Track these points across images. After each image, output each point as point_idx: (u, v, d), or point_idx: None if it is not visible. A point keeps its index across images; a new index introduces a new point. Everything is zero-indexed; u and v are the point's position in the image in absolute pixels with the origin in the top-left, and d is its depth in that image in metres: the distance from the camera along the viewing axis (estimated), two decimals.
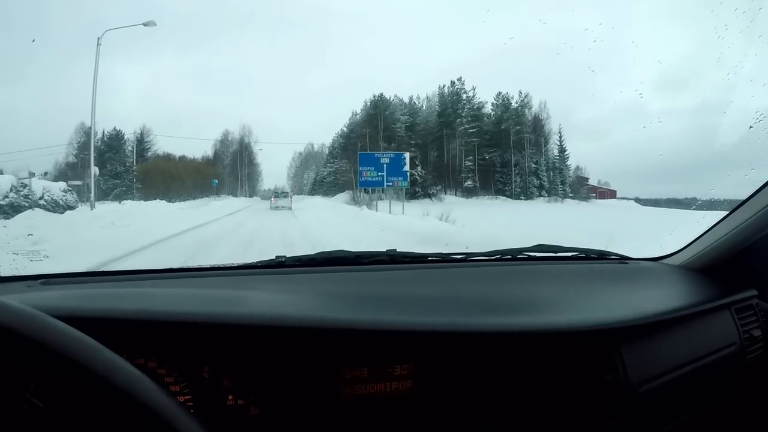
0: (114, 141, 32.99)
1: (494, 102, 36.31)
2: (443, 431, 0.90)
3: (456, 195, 33.34)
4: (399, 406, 0.89)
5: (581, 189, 34.07)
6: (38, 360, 0.48)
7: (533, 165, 35.69)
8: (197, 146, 38.42)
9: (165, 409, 0.51)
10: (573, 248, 1.46)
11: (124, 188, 21.81)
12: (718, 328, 1.22)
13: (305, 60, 39.56)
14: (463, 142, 34.62)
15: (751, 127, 1.55)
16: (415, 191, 30.64)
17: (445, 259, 1.35)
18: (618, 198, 28.46)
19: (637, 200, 23.01)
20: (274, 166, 39.55)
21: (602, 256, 1.49)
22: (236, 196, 35.49)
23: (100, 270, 1.32)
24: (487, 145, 35.14)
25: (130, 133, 31.00)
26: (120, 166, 23.33)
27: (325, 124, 44.89)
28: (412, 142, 32.99)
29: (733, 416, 1.24)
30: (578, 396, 0.97)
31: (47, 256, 3.57)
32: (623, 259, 1.50)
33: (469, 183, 34.03)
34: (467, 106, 35.52)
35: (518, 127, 35.69)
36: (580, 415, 0.97)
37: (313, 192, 37.99)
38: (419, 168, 31.16)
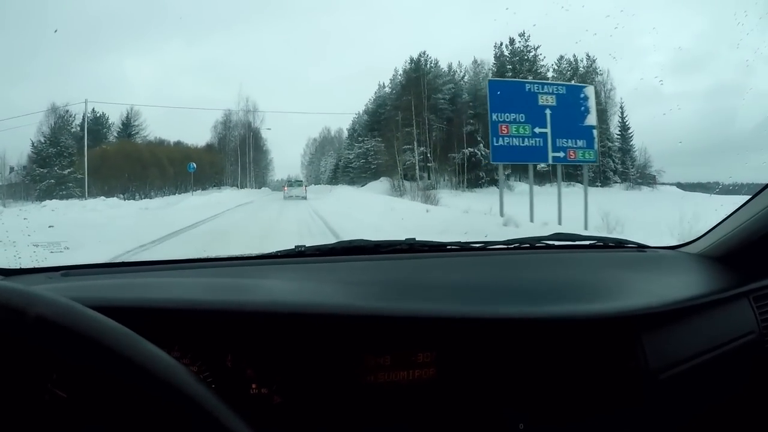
0: (95, 126, 27.45)
1: (555, 67, 28.32)
2: (466, 418, 0.92)
3: (520, 180, 25.42)
4: (422, 393, 0.90)
5: (647, 174, 27.47)
6: (75, 350, 0.49)
7: (608, 143, 28.23)
8: (199, 133, 34.04)
9: (204, 399, 0.51)
10: (591, 236, 1.50)
11: (53, 181, 14.14)
12: (737, 317, 1.21)
13: (314, 50, 38.70)
14: None
15: None
16: (479, 176, 23.16)
17: (464, 247, 1.37)
18: (659, 183, 26.46)
19: (679, 185, 21.84)
20: (286, 157, 37.54)
21: (620, 244, 1.52)
22: (241, 187, 28.81)
23: (120, 261, 1.27)
24: None
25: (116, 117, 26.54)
26: (50, 148, 15.47)
27: (337, 113, 40.45)
28: (471, 111, 25.06)
29: (752, 405, 1.21)
30: (600, 382, 0.99)
31: (68, 248, 3.70)
32: (641, 247, 1.50)
33: (542, 165, 25.87)
34: (533, 68, 27.34)
35: None
36: (603, 401, 0.99)
37: (333, 181, 31.69)
38: (482, 146, 23.33)
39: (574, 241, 1.45)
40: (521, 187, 25.16)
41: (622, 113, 28.07)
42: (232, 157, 29.84)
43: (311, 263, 1.21)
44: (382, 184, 23.66)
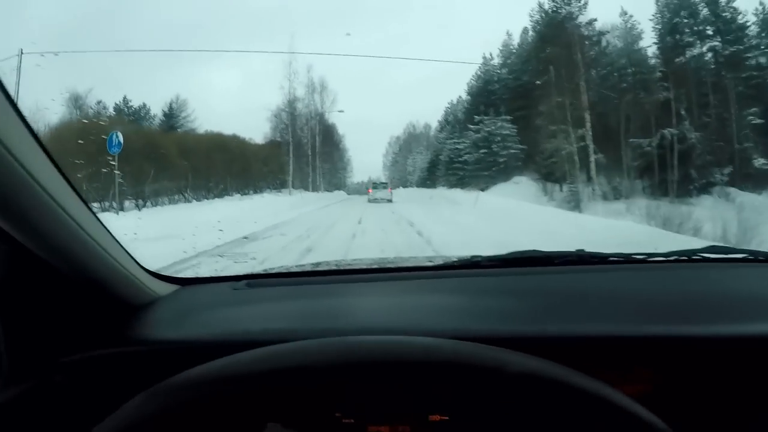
0: (132, 118, 23.77)
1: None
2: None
3: (729, 185, 16.05)
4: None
5: None
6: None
7: None
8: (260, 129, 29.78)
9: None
10: (744, 249, 1.46)
11: None
12: None
13: (390, 53, 35.71)
14: (738, 79, 16.89)
15: None
16: (689, 177, 13.87)
17: (627, 259, 1.39)
18: None
19: None
20: (367, 160, 36.86)
21: None
22: (308, 190, 21.73)
23: (299, 270, 1.30)
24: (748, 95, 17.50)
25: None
26: None
27: (420, 112, 41.87)
28: (661, 70, 16.02)
29: None
30: None
31: (254, 258, 3.99)
32: None
33: (764, 160, 16.35)
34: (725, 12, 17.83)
35: None
36: None
37: (429, 182, 24.14)
38: (688, 124, 14.35)
39: (728, 254, 1.44)
40: (742, 197, 15.74)
41: None
42: (297, 151, 22.70)
43: (488, 275, 1.27)
44: (519, 186, 15.54)
